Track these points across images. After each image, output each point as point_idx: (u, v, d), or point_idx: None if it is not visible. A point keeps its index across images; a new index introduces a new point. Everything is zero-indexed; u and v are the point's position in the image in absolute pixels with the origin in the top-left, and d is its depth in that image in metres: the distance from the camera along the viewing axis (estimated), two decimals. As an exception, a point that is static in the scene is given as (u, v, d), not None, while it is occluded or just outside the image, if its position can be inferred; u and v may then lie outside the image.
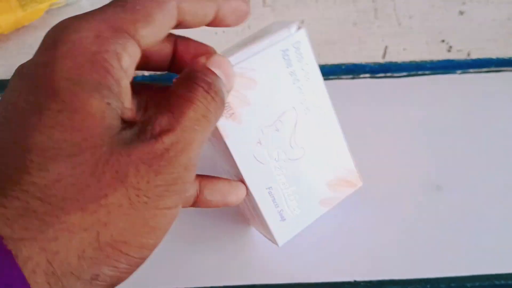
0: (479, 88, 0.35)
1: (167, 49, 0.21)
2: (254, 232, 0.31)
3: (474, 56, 0.36)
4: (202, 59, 0.19)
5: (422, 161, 0.33)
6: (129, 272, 0.17)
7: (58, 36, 0.16)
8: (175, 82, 0.18)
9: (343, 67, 0.36)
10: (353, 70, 0.36)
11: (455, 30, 0.37)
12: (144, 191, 0.16)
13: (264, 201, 0.24)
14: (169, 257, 0.30)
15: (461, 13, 0.38)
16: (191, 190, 0.22)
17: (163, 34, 0.18)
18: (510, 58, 0.36)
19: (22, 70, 0.17)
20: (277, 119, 0.23)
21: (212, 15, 0.19)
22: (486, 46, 0.37)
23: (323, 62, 0.36)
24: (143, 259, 0.17)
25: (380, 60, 0.36)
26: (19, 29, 0.36)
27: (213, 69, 0.19)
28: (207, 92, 0.18)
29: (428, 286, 0.30)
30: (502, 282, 0.30)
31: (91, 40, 0.16)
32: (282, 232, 0.25)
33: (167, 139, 0.16)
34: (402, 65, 0.36)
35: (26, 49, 0.36)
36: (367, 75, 0.36)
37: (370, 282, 0.30)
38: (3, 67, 0.36)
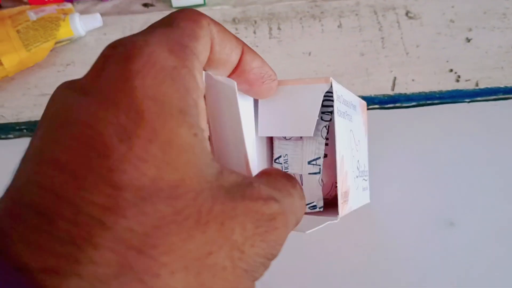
0: (488, 116, 0.35)
1: (234, 59, 0.18)
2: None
3: (482, 85, 0.36)
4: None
5: (434, 195, 0.33)
6: None
7: (128, 50, 0.13)
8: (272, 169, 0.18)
9: (352, 99, 0.36)
10: (362, 102, 0.36)
11: (462, 58, 0.37)
12: (247, 255, 0.13)
13: None
14: None
15: (468, 40, 0.38)
16: None
17: (207, 53, 0.16)
18: (517, 85, 0.36)
19: (78, 85, 0.13)
20: None
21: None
22: (493, 75, 0.37)
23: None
24: None
25: (389, 92, 0.36)
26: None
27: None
28: (301, 189, 0.18)
29: (445, 323, 0.30)
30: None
31: (166, 55, 0.14)
32: None
33: (275, 206, 0.14)
34: (411, 96, 0.36)
35: (31, 89, 0.35)
36: (376, 105, 0.36)
37: (388, 322, 0.30)
38: (9, 109, 0.35)
